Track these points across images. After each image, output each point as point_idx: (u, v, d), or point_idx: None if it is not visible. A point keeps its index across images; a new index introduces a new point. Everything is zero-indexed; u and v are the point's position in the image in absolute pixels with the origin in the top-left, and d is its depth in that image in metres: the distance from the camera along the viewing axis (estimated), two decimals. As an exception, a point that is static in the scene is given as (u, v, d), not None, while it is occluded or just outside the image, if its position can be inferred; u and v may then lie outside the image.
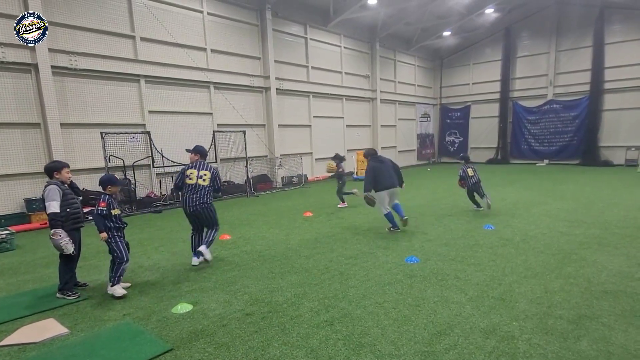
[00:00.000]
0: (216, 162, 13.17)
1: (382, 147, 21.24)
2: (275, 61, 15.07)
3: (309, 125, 17.18)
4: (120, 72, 10.97)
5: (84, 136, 10.45)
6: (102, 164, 10.33)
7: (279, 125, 15.37)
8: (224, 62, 13.64)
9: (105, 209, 4.61)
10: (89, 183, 10.43)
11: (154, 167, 11.46)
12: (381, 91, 20.88)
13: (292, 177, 15.81)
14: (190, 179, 5.61)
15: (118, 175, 10.54)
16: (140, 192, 11.30)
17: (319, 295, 4.47)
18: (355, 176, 17.29)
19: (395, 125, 22.67)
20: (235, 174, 13.93)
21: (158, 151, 11.38)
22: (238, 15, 13.98)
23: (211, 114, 13.36)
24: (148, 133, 11.34)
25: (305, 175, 16.41)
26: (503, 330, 3.51)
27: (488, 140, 23.57)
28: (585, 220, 7.66)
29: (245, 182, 13.63)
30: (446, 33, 21.74)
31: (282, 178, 15.59)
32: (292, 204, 11.19)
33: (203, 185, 5.61)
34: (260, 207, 10.93)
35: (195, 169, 5.68)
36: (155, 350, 3.41)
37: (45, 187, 4.53)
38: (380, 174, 7.29)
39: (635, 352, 3.12)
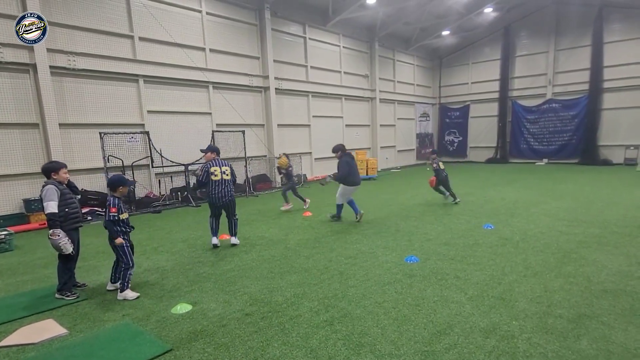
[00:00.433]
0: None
1: (381, 147, 21.26)
2: (274, 61, 15.05)
3: (308, 125, 17.16)
4: (119, 72, 10.95)
5: (83, 136, 10.42)
6: (101, 164, 10.31)
7: (278, 125, 15.35)
8: (223, 61, 13.63)
9: (116, 214, 4.54)
10: (88, 183, 10.43)
11: (153, 167, 11.44)
12: (380, 91, 20.87)
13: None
14: (215, 175, 6.37)
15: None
16: (140, 192, 11.29)
17: (318, 295, 4.46)
18: None
19: (394, 125, 22.67)
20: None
21: (157, 151, 11.36)
22: (237, 15, 13.96)
23: (210, 113, 13.33)
24: (147, 133, 11.32)
25: (305, 175, 16.41)
26: (503, 330, 3.51)
27: (487, 140, 23.59)
28: (584, 220, 7.66)
29: (245, 181, 13.62)
30: (445, 32, 21.74)
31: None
32: (292, 203, 11.17)
33: (227, 180, 6.46)
34: (259, 206, 10.92)
35: (217, 166, 6.44)
36: (154, 350, 3.41)
37: (43, 187, 4.50)
38: (354, 170, 8.13)
39: (635, 350, 3.12)
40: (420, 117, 24.95)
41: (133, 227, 4.87)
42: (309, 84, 16.90)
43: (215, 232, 6.70)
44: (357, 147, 19.54)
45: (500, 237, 6.59)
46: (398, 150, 23.06)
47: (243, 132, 13.45)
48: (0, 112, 9.12)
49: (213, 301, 4.40)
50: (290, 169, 10.30)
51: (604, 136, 19.63)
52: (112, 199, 4.59)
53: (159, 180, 11.76)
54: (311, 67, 16.98)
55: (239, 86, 14.17)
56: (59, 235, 4.39)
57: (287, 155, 10.46)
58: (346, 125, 19.21)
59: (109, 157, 10.28)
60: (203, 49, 13.01)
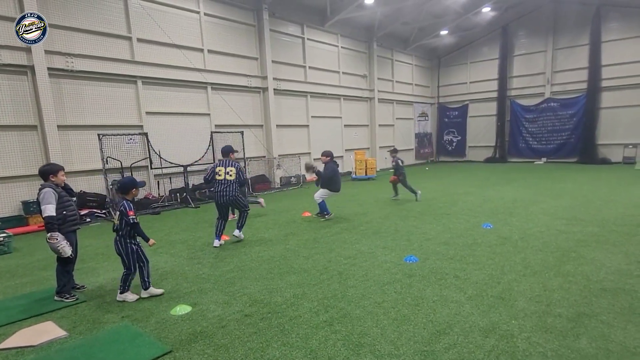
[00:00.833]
0: (214, 163, 13.12)
1: (380, 147, 21.26)
2: (273, 61, 15.05)
3: (307, 126, 17.17)
4: (117, 74, 10.95)
5: (81, 138, 10.41)
6: (99, 166, 10.31)
7: (276, 125, 15.35)
8: (221, 62, 13.62)
9: (135, 217, 4.45)
10: (87, 185, 10.42)
11: (151, 168, 11.43)
12: (379, 91, 20.88)
13: (291, 177, 15.80)
14: (219, 175, 6.67)
15: (116, 176, 10.54)
16: (139, 194, 11.26)
17: (318, 295, 4.46)
18: (354, 176, 17.28)
19: (393, 125, 22.68)
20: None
21: (156, 152, 11.35)
22: (235, 16, 13.96)
23: (209, 114, 13.33)
24: (145, 134, 11.31)
25: (304, 176, 16.39)
26: (502, 329, 3.51)
27: (486, 139, 23.62)
28: (583, 218, 7.67)
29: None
30: (443, 32, 21.75)
31: (281, 178, 15.59)
32: (291, 204, 11.19)
33: (230, 180, 6.66)
34: (259, 207, 10.90)
35: (222, 166, 6.72)
36: (154, 352, 3.40)
37: (40, 190, 4.46)
38: (338, 177, 8.67)
39: (634, 349, 3.13)
40: (419, 116, 24.97)
41: None
42: (308, 85, 16.90)
43: (218, 233, 6.81)
44: (356, 147, 19.56)
45: (499, 237, 6.60)
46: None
47: (242, 133, 13.45)
48: (-1, 114, 9.12)
49: (212, 302, 4.40)
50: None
51: (603, 135, 19.67)
52: (125, 202, 4.46)
53: (158, 182, 11.76)
54: (309, 67, 16.99)
55: (237, 87, 14.17)
56: (57, 239, 4.37)
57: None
58: (345, 125, 19.22)
59: (108, 159, 10.28)
60: (201, 50, 13.01)
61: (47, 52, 9.50)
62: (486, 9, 19.95)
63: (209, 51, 13.21)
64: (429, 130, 25.96)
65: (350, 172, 17.66)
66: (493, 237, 6.56)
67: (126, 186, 4.60)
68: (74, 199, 4.98)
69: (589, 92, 19.62)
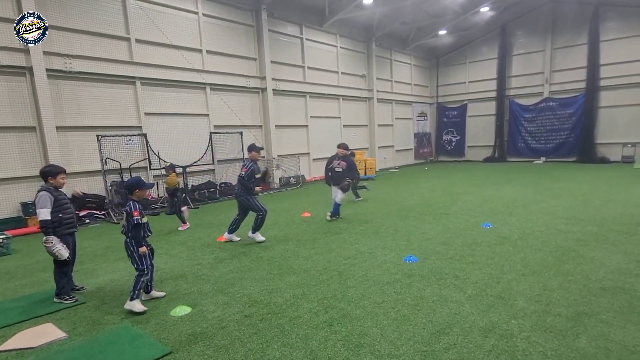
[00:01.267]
0: (213, 163, 13.15)
1: (379, 147, 21.28)
2: (271, 62, 15.05)
3: (306, 126, 17.17)
4: (116, 75, 10.93)
5: (80, 139, 10.39)
6: (98, 167, 10.29)
7: (275, 126, 15.35)
8: (220, 63, 13.61)
9: (139, 218, 4.22)
10: (86, 186, 10.40)
11: (150, 169, 11.41)
12: (378, 90, 20.88)
13: (290, 177, 15.79)
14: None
15: (115, 178, 10.54)
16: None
17: (317, 296, 4.46)
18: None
19: (392, 125, 22.69)
20: (232, 176, 13.89)
21: (155, 153, 11.34)
22: (233, 16, 13.95)
23: (207, 115, 13.32)
24: (144, 135, 11.30)
25: (303, 176, 16.40)
26: (502, 329, 3.51)
27: (485, 139, 23.64)
28: (582, 218, 7.68)
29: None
30: (442, 32, 21.77)
31: (280, 179, 15.58)
32: (290, 204, 11.19)
33: (239, 177, 6.77)
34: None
35: (243, 165, 6.89)
36: (154, 353, 3.40)
37: (37, 193, 4.49)
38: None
39: (633, 348, 3.13)
40: (418, 116, 24.98)
41: (151, 232, 4.58)
42: (306, 85, 16.90)
43: (228, 228, 7.07)
44: (355, 147, 19.54)
45: (499, 236, 6.60)
46: (396, 150, 23.08)
47: (241, 133, 13.44)
48: (-3, 115, 9.10)
49: (212, 303, 4.40)
50: (176, 184, 8.69)
51: (601, 134, 19.69)
52: (131, 203, 4.31)
53: (157, 182, 11.73)
54: (308, 67, 16.98)
55: (236, 87, 14.16)
56: (52, 242, 4.38)
57: (168, 169, 8.99)
58: (344, 125, 19.22)
59: (107, 160, 10.27)
60: (200, 51, 13.00)
61: (45, 53, 9.48)
62: (484, 9, 19.96)
63: (208, 52, 13.20)
64: (428, 130, 25.98)
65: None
66: (492, 237, 6.57)
67: (130, 186, 4.46)
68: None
69: (588, 91, 19.65)
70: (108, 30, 10.81)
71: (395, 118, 22.87)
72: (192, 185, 12.57)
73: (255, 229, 7.00)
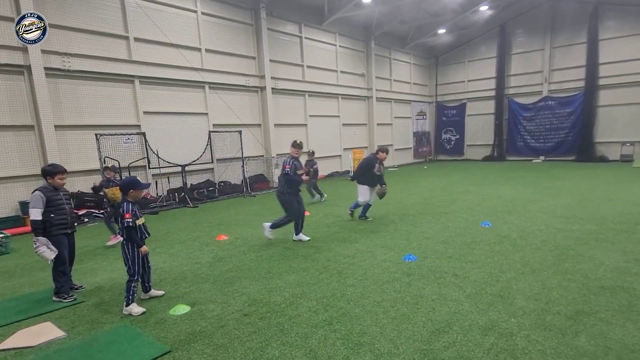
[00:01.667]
0: (212, 162, 13.13)
1: (378, 146, 21.21)
2: (271, 60, 15.03)
3: (305, 125, 17.15)
4: (114, 73, 10.91)
5: (79, 138, 10.37)
6: (97, 166, 10.27)
7: (275, 124, 15.33)
8: (219, 61, 13.59)
9: (130, 220, 4.10)
10: (84, 185, 10.37)
11: (149, 168, 11.40)
12: (377, 89, 20.87)
13: (289, 176, 15.75)
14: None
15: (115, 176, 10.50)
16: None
17: (317, 294, 4.46)
18: (352, 174, 17.27)
19: (391, 124, 22.69)
20: (231, 174, 13.90)
21: (154, 152, 11.32)
22: (232, 15, 13.92)
23: (206, 114, 13.31)
24: (143, 134, 11.28)
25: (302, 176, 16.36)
26: (501, 327, 3.51)
27: (484, 138, 23.64)
28: (581, 216, 7.69)
29: (242, 182, 13.60)
30: (441, 31, 21.75)
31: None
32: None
33: (280, 176, 6.82)
34: (257, 207, 10.90)
35: (284, 162, 6.87)
36: (153, 352, 3.39)
37: (32, 193, 4.53)
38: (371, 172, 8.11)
39: (633, 346, 3.13)
40: (417, 115, 24.98)
41: (149, 234, 4.51)
42: (306, 84, 16.88)
43: (295, 230, 6.90)
44: (355, 147, 19.56)
45: (498, 235, 6.60)
46: (395, 149, 23.06)
47: (240, 132, 13.43)
48: (-5, 114, 9.07)
49: (211, 302, 4.39)
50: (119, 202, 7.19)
51: (600, 133, 19.72)
52: (125, 204, 4.20)
53: (156, 182, 11.73)
54: (307, 66, 16.96)
55: (235, 86, 14.14)
56: (36, 244, 4.40)
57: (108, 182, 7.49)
58: (343, 124, 19.21)
59: (105, 159, 10.24)
60: (199, 49, 12.97)
61: (43, 51, 9.45)
62: (484, 8, 19.95)
63: (207, 50, 13.17)
64: (427, 129, 25.98)
65: (349, 171, 17.65)
66: (492, 236, 6.57)
67: (124, 186, 4.35)
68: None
69: (587, 90, 19.66)
70: (107, 28, 10.78)
71: (395, 117, 22.87)
72: (191, 184, 12.56)
73: (275, 225, 6.84)
